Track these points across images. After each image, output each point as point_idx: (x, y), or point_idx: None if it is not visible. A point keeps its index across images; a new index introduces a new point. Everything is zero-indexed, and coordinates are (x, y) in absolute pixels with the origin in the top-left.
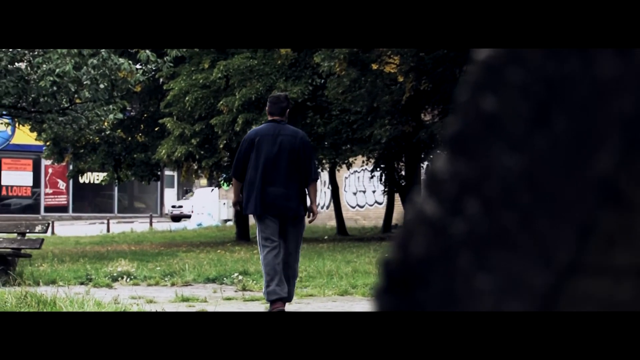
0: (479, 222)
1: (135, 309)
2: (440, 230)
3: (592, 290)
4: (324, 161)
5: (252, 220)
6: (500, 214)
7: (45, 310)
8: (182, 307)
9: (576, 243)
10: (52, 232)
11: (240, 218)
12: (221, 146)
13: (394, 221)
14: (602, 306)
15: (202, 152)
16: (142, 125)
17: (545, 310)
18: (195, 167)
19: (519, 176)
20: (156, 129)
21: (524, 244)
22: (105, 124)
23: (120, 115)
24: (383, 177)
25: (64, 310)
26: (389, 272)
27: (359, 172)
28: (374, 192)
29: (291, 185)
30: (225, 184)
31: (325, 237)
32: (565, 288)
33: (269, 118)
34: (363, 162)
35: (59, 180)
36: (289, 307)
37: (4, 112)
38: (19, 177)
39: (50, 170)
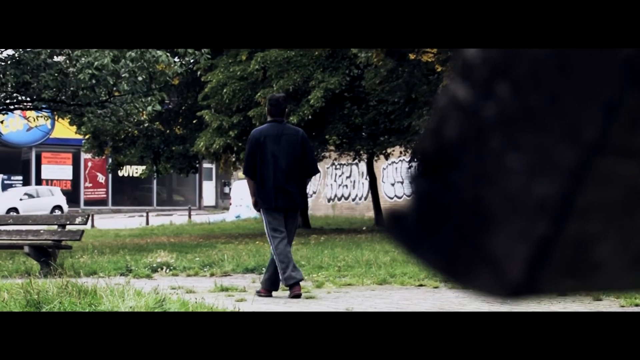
0: (509, 104)
1: (174, 298)
2: (472, 114)
3: (618, 171)
4: (361, 152)
5: None
6: (529, 95)
7: (86, 299)
8: (222, 297)
9: (602, 122)
10: (92, 225)
11: None
12: None
13: None
14: (627, 189)
15: (240, 144)
16: (180, 118)
17: (574, 187)
18: (234, 159)
19: (548, 58)
20: (194, 121)
21: (552, 124)
22: (144, 116)
23: (158, 107)
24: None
25: (104, 299)
26: (423, 157)
27: (396, 163)
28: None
29: (295, 180)
30: None
31: (364, 228)
32: (592, 166)
33: (270, 119)
34: (401, 152)
35: (98, 173)
36: (330, 298)
37: (44, 106)
38: (59, 171)
39: (89, 164)
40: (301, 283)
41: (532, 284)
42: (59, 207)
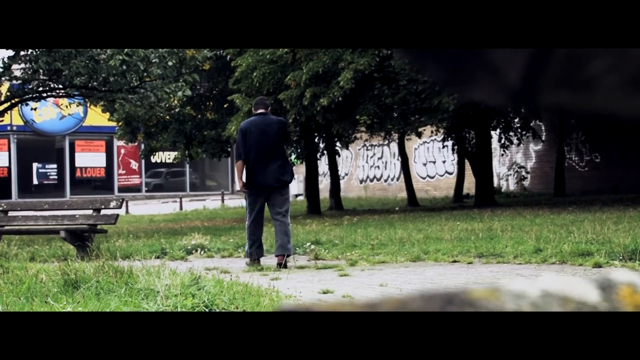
0: None
1: (209, 277)
2: None
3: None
4: (392, 132)
5: (322, 194)
6: None
7: (122, 278)
8: (256, 276)
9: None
10: (127, 212)
11: (310, 193)
12: (290, 121)
13: (465, 190)
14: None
15: None
16: (211, 103)
17: None
18: None
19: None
20: (225, 105)
21: None
22: (175, 101)
23: (188, 92)
24: (456, 147)
25: (141, 278)
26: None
27: (428, 143)
28: (444, 162)
29: (276, 161)
30: (296, 160)
31: (397, 208)
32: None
33: (255, 112)
34: (432, 132)
35: (131, 160)
36: (357, 277)
37: (76, 93)
38: (92, 159)
39: (122, 151)
40: (332, 262)
41: (529, 90)
42: None
